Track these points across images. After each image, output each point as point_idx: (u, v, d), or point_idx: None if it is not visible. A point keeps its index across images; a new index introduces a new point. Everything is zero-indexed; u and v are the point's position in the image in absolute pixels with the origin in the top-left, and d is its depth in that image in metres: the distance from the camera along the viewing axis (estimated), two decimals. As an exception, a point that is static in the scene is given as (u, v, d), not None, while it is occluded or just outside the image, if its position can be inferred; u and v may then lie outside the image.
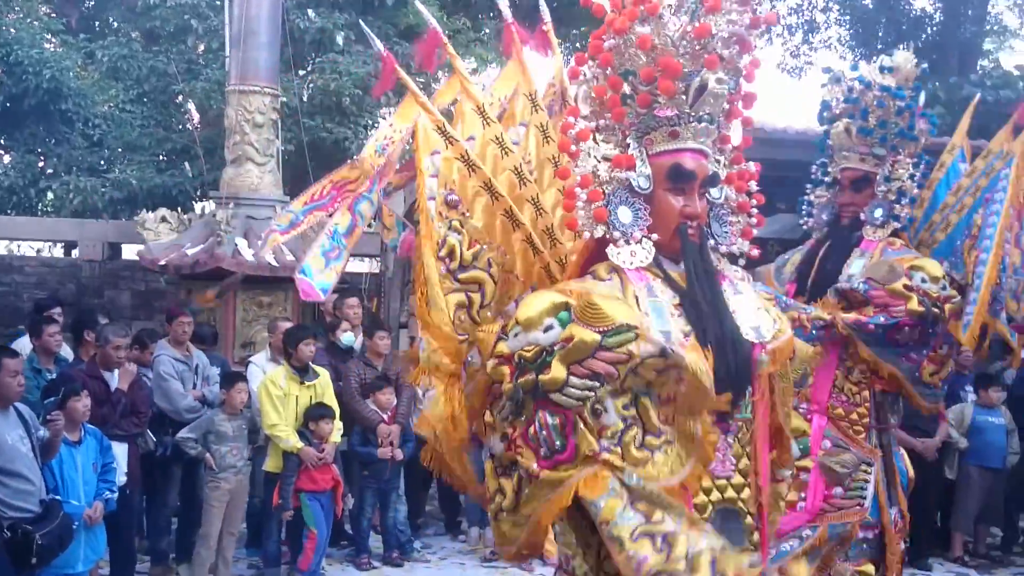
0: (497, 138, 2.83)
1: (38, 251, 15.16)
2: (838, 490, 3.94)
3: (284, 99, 10.64)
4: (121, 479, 5.78)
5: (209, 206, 9.64)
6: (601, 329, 2.30)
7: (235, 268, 8.43)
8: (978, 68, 18.20)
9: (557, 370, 2.28)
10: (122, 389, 6.16)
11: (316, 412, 6.64)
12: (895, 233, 4.18)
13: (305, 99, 12.97)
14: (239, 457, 6.53)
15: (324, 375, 6.87)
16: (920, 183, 4.21)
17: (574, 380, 2.28)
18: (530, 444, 2.31)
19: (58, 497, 5.02)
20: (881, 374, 3.98)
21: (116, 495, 5.56)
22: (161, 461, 6.65)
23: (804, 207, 4.44)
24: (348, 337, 7.65)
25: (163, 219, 9.31)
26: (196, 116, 14.59)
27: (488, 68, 18.08)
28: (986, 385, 8.12)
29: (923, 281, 3.88)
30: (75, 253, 12.59)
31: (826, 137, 4.34)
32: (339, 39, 13.27)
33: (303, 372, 6.69)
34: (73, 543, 5.06)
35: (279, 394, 6.57)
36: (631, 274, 2.50)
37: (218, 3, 13.02)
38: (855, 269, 4.06)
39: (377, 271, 12.15)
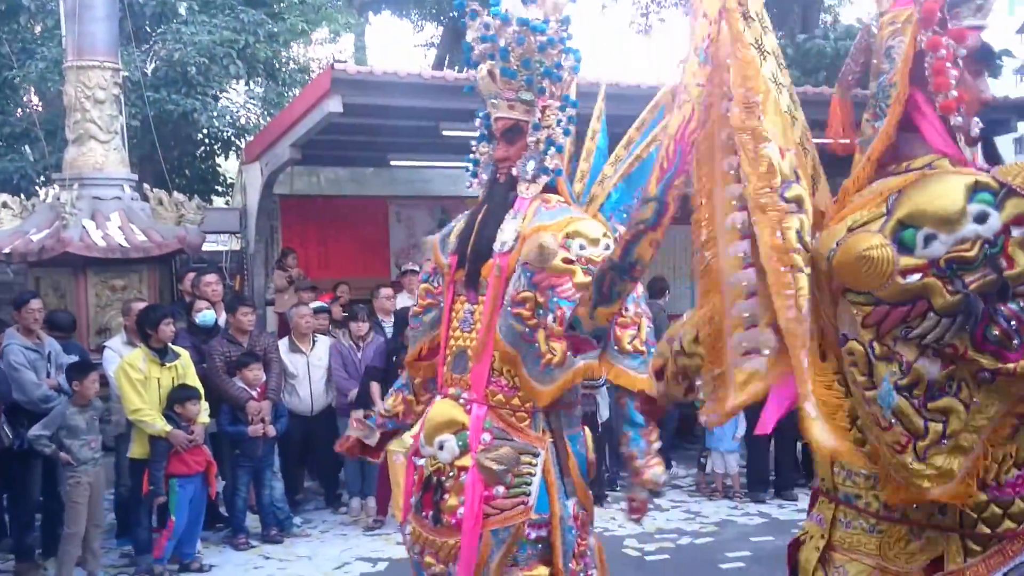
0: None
1: None
2: (499, 489, 3.42)
3: (126, 73, 10.23)
4: (-27, 476, 5.52)
5: (53, 189, 9.21)
6: None
7: (84, 251, 8.09)
8: (820, 22, 18.88)
9: (1021, 257, 1.98)
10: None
11: (181, 394, 6.46)
12: (550, 188, 3.66)
13: (149, 72, 12.50)
14: (95, 449, 6.28)
15: (184, 355, 6.68)
16: (567, 130, 3.65)
17: None
18: (990, 346, 1.99)
19: None
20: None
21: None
22: (19, 455, 6.36)
23: (472, 167, 3.86)
24: (205, 315, 7.44)
25: (4, 205, 8.88)
26: (35, 98, 13.93)
27: (344, 34, 17.81)
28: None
29: (582, 248, 3.36)
30: (-90, 248, 11.85)
31: (472, 87, 3.77)
32: (182, 9, 12.81)
33: (162, 354, 6.49)
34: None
35: (139, 378, 6.35)
36: None
37: (49, -21, 12.40)
38: (508, 233, 3.55)
39: (238, 248, 11.89)
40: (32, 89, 13.62)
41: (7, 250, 8.41)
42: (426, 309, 3.88)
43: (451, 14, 21.28)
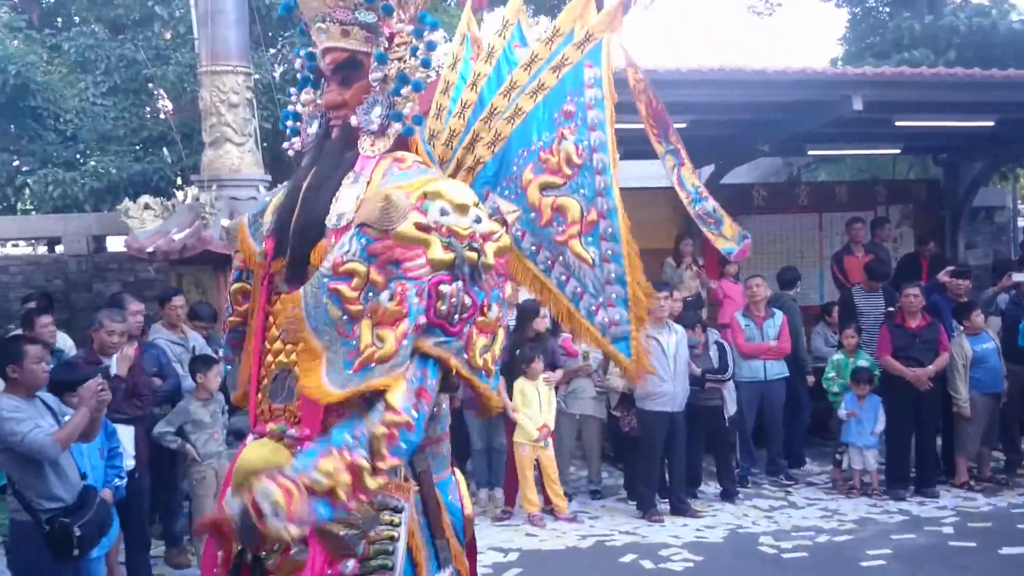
0: None
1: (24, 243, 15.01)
2: (349, 564, 2.40)
3: (257, 76, 10.54)
4: (129, 463, 5.75)
5: (192, 191, 9.56)
6: None
7: (224, 251, 8.36)
8: (948, 2, 18.33)
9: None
10: (121, 375, 6.10)
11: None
12: (403, 144, 2.70)
13: (278, 75, 12.85)
14: (219, 442, 6.42)
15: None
16: (427, 60, 2.68)
17: None
18: None
19: (92, 484, 4.93)
20: None
21: (125, 480, 5.53)
22: (168, 445, 6.61)
23: (288, 122, 2.87)
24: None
25: (146, 206, 9.22)
26: (169, 103, 14.49)
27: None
28: (967, 314, 8.17)
29: (443, 213, 2.41)
30: (59, 249, 12.49)
31: (291, 3, 2.77)
32: (307, 13, 13.14)
33: (301, 346, 6.64)
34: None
35: (278, 371, 6.52)
36: None
37: (180, -12, 12.90)
38: (346, 203, 2.56)
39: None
40: (165, 94, 14.17)
41: (150, 249, 8.74)
42: (245, 318, 2.92)
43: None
